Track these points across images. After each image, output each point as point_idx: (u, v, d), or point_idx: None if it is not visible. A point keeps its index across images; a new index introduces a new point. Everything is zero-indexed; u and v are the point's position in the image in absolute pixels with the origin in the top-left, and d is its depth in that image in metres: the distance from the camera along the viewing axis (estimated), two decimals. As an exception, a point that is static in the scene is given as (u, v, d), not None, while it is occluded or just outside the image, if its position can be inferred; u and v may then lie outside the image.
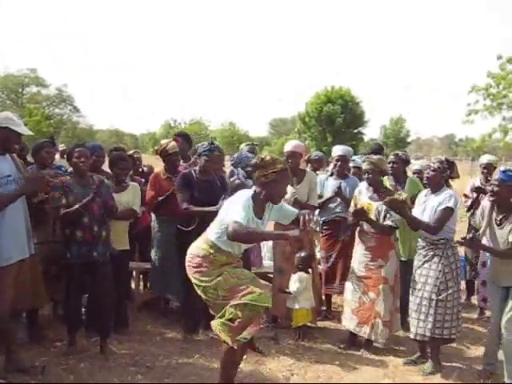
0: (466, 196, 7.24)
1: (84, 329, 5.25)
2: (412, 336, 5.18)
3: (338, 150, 6.73)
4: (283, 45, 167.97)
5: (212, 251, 4.15)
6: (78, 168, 5.08)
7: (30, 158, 5.95)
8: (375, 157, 5.67)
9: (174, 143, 6.27)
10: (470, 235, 4.75)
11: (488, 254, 5.18)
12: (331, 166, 6.96)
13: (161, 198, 5.96)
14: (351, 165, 6.99)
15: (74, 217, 4.92)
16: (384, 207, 5.33)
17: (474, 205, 6.69)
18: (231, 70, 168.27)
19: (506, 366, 4.64)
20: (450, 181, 5.36)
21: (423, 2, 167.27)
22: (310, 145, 39.22)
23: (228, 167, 7.40)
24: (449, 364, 5.24)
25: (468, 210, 7.10)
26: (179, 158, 6.34)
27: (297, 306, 5.81)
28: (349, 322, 5.58)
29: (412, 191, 5.91)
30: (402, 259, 5.79)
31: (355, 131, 44.08)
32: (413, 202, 5.45)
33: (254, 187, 4.19)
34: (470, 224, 6.92)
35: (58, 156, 7.63)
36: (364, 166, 5.56)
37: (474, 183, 7.28)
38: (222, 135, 64.30)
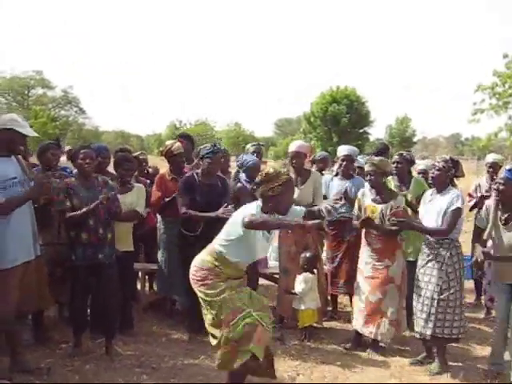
0: (470, 196, 7.21)
1: (89, 330, 5.25)
2: (417, 335, 5.16)
3: (343, 150, 6.70)
4: (287, 45, 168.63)
5: (217, 263, 4.13)
6: (82, 169, 5.08)
7: (33, 160, 5.95)
8: (377, 158, 5.64)
9: (178, 144, 6.27)
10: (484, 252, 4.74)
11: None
12: (336, 166, 6.94)
13: (167, 200, 5.96)
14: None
15: (80, 220, 4.93)
16: (387, 209, 5.31)
17: (478, 205, 6.67)
18: (236, 70, 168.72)
19: None
20: (455, 180, 5.33)
21: (424, 1, 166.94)
22: (315, 145, 39.17)
23: (233, 168, 7.41)
24: (455, 364, 5.22)
25: (470, 210, 7.07)
26: (184, 159, 6.33)
27: (303, 307, 5.80)
28: (356, 322, 5.57)
29: (417, 191, 5.88)
30: (410, 259, 5.76)
31: (361, 131, 43.97)
32: (418, 202, 5.43)
33: (257, 202, 4.19)
34: (475, 224, 6.88)
35: (64, 158, 7.61)
36: (366, 168, 5.54)
37: (479, 183, 7.25)
38: (228, 136, 64.42)
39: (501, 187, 4.73)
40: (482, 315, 6.85)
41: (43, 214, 4.94)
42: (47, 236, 5.18)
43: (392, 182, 6.08)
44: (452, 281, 4.96)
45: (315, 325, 5.95)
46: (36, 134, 4.98)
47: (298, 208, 4.47)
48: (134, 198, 5.69)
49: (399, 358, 5.35)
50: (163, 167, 6.92)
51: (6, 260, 4.38)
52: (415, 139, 55.45)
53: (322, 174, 7.06)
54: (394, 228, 5.22)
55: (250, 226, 3.88)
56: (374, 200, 5.49)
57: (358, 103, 43.28)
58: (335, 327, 6.32)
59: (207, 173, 5.64)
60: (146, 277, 7.25)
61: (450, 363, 5.15)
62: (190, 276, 4.24)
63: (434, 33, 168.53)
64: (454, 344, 5.37)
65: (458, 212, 4.96)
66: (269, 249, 4.63)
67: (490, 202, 5.01)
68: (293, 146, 6.18)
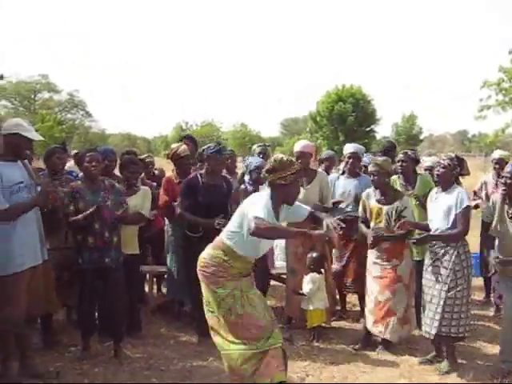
0: (475, 193, 7.18)
1: (97, 333, 5.26)
2: (426, 335, 5.13)
3: (349, 148, 6.67)
4: (291, 46, 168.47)
5: (226, 258, 4.03)
6: (89, 173, 5.08)
7: (37, 164, 5.96)
8: (380, 158, 5.62)
9: (184, 147, 6.26)
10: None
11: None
12: (342, 164, 6.92)
13: (175, 204, 5.94)
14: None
15: (82, 224, 4.93)
16: (393, 210, 5.30)
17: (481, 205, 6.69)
18: (242, 70, 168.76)
19: None
20: (459, 178, 5.30)
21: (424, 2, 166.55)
22: (321, 144, 39.15)
23: (240, 169, 7.40)
24: (465, 363, 5.19)
25: (474, 208, 7.03)
26: (190, 162, 6.32)
27: (311, 307, 5.79)
28: (366, 322, 5.55)
29: (423, 189, 5.83)
30: (416, 259, 5.73)
31: (367, 129, 43.88)
32: (425, 200, 5.40)
33: (268, 191, 4.06)
34: (483, 220, 6.86)
35: (72, 162, 7.63)
36: (369, 168, 5.52)
37: (485, 180, 7.22)
38: (234, 136, 64.45)
39: (508, 181, 4.72)
40: (491, 313, 6.81)
41: (50, 218, 4.94)
42: (54, 240, 5.19)
43: (397, 182, 6.04)
44: (460, 279, 4.93)
45: (324, 325, 5.93)
46: (42, 138, 5.00)
47: (303, 206, 4.36)
48: (139, 201, 5.68)
49: (408, 358, 5.32)
50: (169, 169, 6.92)
51: (14, 264, 4.39)
52: (422, 137, 55.31)
53: (329, 174, 7.05)
54: (402, 233, 5.26)
55: (256, 233, 3.75)
56: (378, 201, 5.47)
57: (364, 101, 43.21)
58: (344, 327, 6.29)
59: (212, 172, 5.60)
60: (154, 279, 7.25)
61: (460, 362, 5.12)
62: (199, 270, 4.13)
63: (433, 33, 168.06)
64: (463, 342, 5.35)
65: (468, 210, 4.94)
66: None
67: (496, 197, 4.98)
68: (298, 146, 6.16)
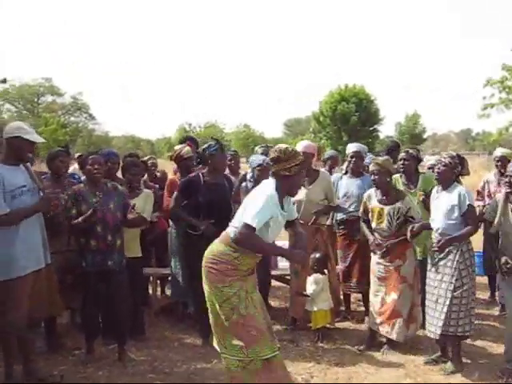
0: (478, 193, 7.15)
1: (101, 336, 5.26)
2: (428, 334, 5.11)
3: (352, 147, 6.65)
4: (294, 47, 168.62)
5: (236, 255, 3.90)
6: (91, 175, 5.07)
7: (38, 167, 5.96)
8: (381, 158, 5.60)
9: (188, 148, 6.25)
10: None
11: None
12: (345, 164, 6.90)
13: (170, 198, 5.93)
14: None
15: (82, 227, 4.92)
16: (395, 210, 5.28)
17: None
18: (245, 71, 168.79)
19: None
20: (460, 178, 5.27)
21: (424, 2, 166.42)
22: (325, 144, 39.08)
23: (243, 170, 7.40)
24: (470, 362, 5.16)
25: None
26: (194, 163, 6.31)
27: (315, 308, 5.77)
28: (373, 323, 5.54)
29: (426, 188, 5.81)
30: (418, 258, 5.71)
31: (371, 129, 43.82)
32: (428, 198, 5.38)
33: (273, 181, 3.97)
34: (485, 219, 6.82)
35: (76, 165, 7.63)
36: (370, 168, 5.49)
37: (487, 179, 7.19)
38: (237, 137, 64.48)
39: None
40: (496, 312, 6.78)
41: (53, 222, 4.95)
42: (57, 244, 5.17)
43: (400, 181, 6.02)
44: (464, 277, 4.91)
45: (328, 326, 5.91)
46: (43, 140, 4.98)
47: (293, 207, 4.27)
48: (140, 204, 5.64)
49: (414, 358, 5.29)
50: (171, 171, 6.92)
51: (17, 268, 4.39)
52: (425, 136, 55.18)
53: (332, 173, 7.04)
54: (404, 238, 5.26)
55: (238, 242, 3.77)
56: (380, 201, 5.44)
57: (367, 101, 43.13)
58: (349, 327, 6.27)
59: (214, 170, 5.56)
60: (158, 281, 7.24)
61: (465, 361, 5.10)
62: (205, 267, 3.98)
63: (433, 33, 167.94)
64: (468, 342, 5.33)
65: (472, 208, 4.95)
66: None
67: (499, 196, 4.96)
68: (299, 147, 6.12)
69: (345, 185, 6.46)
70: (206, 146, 5.65)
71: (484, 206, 6.64)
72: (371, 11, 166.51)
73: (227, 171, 6.84)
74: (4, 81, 36.91)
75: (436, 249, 4.96)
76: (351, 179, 6.47)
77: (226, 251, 3.93)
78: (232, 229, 3.97)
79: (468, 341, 5.26)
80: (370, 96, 43.60)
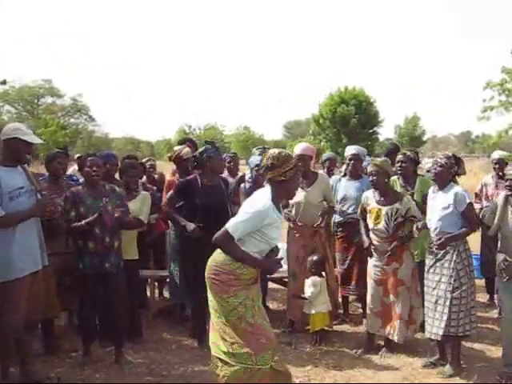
0: (476, 195, 7.13)
1: (98, 339, 5.25)
2: (428, 336, 5.10)
3: (350, 150, 6.64)
4: (293, 48, 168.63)
5: (237, 265, 3.78)
6: (89, 177, 5.07)
7: (39, 168, 5.95)
8: (379, 159, 5.60)
9: (187, 149, 6.25)
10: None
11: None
12: (344, 166, 6.88)
13: (177, 206, 5.91)
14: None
15: (83, 230, 4.92)
16: (393, 211, 5.27)
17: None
18: (245, 73, 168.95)
19: None
20: (456, 177, 5.27)
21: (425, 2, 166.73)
22: (324, 146, 39.05)
23: (241, 171, 7.40)
24: (469, 366, 5.15)
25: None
26: (193, 165, 6.30)
27: (313, 311, 5.76)
28: (372, 325, 5.52)
29: (423, 191, 5.78)
30: (416, 261, 5.70)
31: (370, 131, 43.79)
32: (425, 201, 5.38)
33: (269, 189, 3.91)
34: (483, 222, 6.82)
35: (76, 167, 7.63)
36: (368, 169, 5.49)
37: (485, 181, 7.18)
38: (237, 139, 64.50)
39: None
40: (495, 315, 6.75)
41: (51, 223, 4.94)
42: (55, 245, 5.16)
43: (397, 183, 6.01)
44: (463, 278, 4.90)
45: (326, 328, 5.89)
46: (41, 141, 4.97)
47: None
48: (138, 206, 5.65)
49: (412, 361, 5.28)
50: (169, 172, 6.90)
51: (14, 270, 4.38)
52: (425, 138, 55.15)
53: (331, 175, 7.03)
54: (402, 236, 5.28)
55: (217, 243, 3.76)
56: (378, 202, 5.43)
57: (367, 103, 43.11)
58: (347, 330, 6.26)
59: (212, 172, 5.57)
60: (156, 283, 7.22)
61: (463, 365, 5.09)
62: (208, 278, 3.87)
63: (432, 32, 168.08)
64: (467, 345, 5.31)
65: (471, 206, 4.97)
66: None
67: (498, 199, 4.95)
68: (297, 149, 6.12)
69: (343, 187, 6.44)
70: (201, 149, 5.66)
71: (481, 209, 6.62)
72: (371, 11, 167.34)
73: (226, 173, 6.85)
74: (4, 82, 36.98)
75: (436, 247, 4.96)
76: (350, 181, 6.46)
77: (226, 261, 3.82)
78: None
79: (467, 344, 5.25)
80: (370, 98, 43.59)
